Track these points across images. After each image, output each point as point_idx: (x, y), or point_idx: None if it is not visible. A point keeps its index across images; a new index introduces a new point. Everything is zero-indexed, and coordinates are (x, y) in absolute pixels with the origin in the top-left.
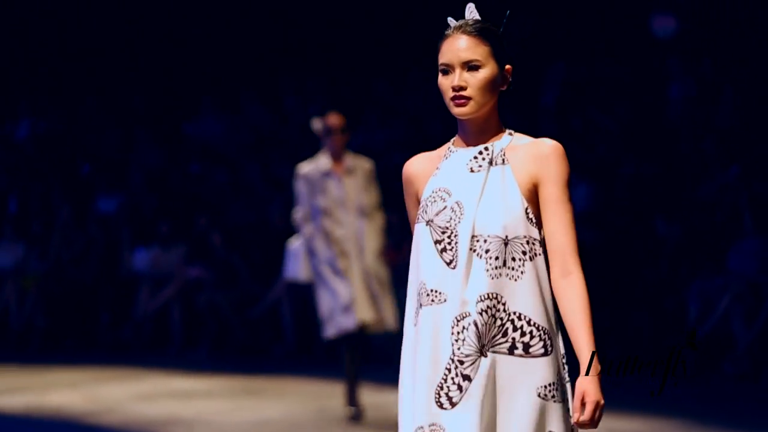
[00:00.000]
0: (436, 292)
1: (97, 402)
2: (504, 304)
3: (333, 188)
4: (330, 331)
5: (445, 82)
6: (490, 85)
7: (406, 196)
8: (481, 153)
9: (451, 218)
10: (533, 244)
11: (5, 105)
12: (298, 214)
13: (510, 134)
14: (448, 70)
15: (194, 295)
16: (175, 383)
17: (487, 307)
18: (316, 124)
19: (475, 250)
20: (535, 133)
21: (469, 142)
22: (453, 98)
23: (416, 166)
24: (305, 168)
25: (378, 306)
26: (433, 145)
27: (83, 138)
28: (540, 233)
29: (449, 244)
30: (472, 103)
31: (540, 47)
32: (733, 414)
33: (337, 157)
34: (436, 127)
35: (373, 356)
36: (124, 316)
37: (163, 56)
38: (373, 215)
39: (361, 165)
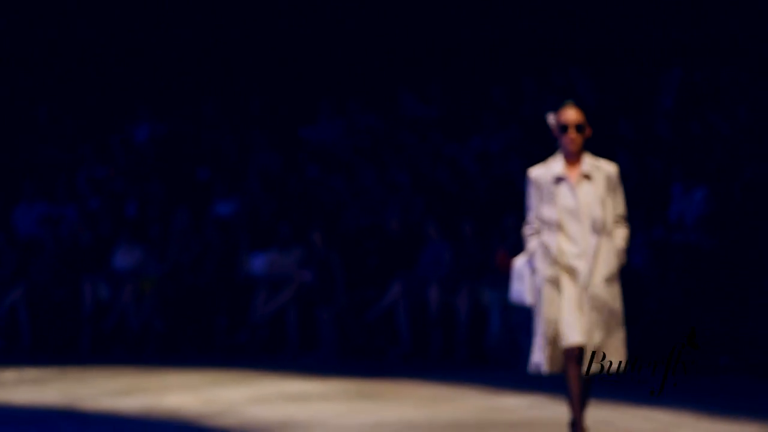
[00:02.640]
0: None
1: (213, 404)
2: None
3: (564, 196)
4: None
5: None
6: None
7: None
8: None
9: None
10: None
11: (125, 109)
12: (529, 226)
13: None
14: None
15: (311, 298)
16: (290, 386)
17: None
18: (550, 120)
19: None
20: (652, 138)
21: None
22: None
23: None
24: (536, 171)
25: (603, 339)
26: (551, 150)
27: (201, 142)
28: None
29: None
30: None
31: (658, 51)
32: None
33: (572, 160)
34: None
35: (487, 359)
36: (241, 319)
37: (280, 60)
38: (613, 231)
39: (603, 169)
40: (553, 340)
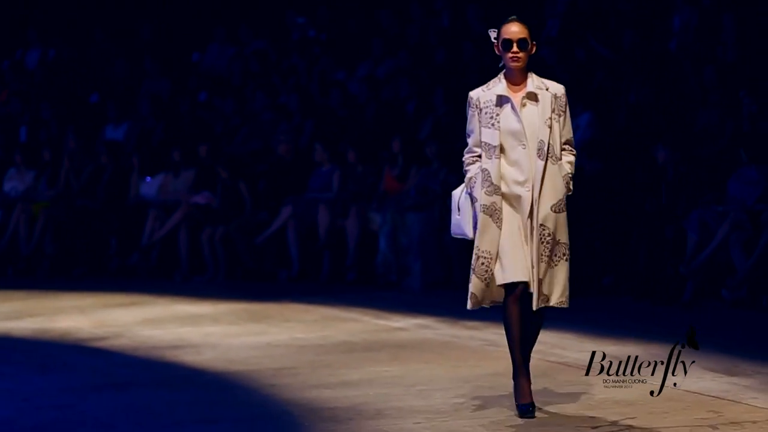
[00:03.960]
0: None
1: (105, 326)
2: None
3: (507, 118)
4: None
5: None
6: None
7: None
8: None
9: None
10: None
11: (16, 34)
12: (469, 154)
13: None
14: None
15: (202, 222)
16: (181, 308)
17: None
18: (492, 35)
19: None
20: (537, 64)
21: None
22: None
23: None
24: (476, 93)
25: (546, 272)
26: (438, 73)
27: (93, 66)
28: None
29: None
30: None
31: None
32: (730, 340)
33: (515, 79)
34: (440, 56)
35: (376, 282)
36: (132, 242)
37: None
38: (561, 155)
39: (551, 90)
40: (488, 275)
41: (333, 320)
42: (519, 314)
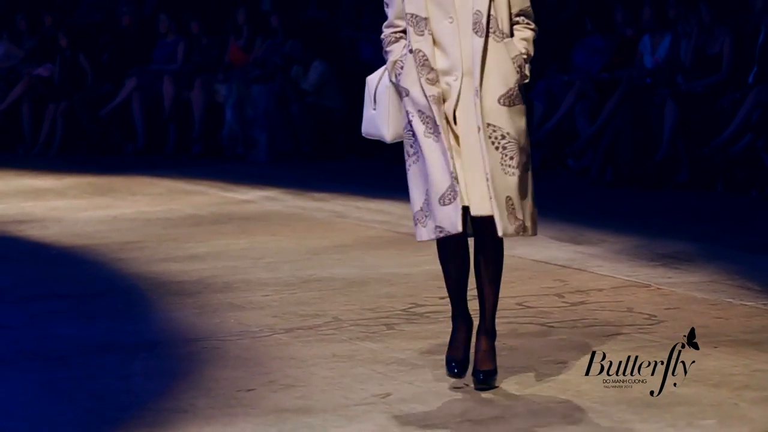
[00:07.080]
0: None
1: None
2: None
3: None
4: (420, 232)
5: None
6: None
7: None
8: None
9: None
10: None
11: None
12: (389, 29)
13: None
14: None
15: (44, 95)
16: (25, 182)
17: None
18: None
19: None
20: None
21: None
22: None
23: None
24: None
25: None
26: None
27: None
28: None
29: None
30: None
31: None
32: (575, 209)
33: None
34: None
35: (222, 154)
36: None
37: None
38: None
39: None
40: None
41: (179, 193)
42: (460, 246)
